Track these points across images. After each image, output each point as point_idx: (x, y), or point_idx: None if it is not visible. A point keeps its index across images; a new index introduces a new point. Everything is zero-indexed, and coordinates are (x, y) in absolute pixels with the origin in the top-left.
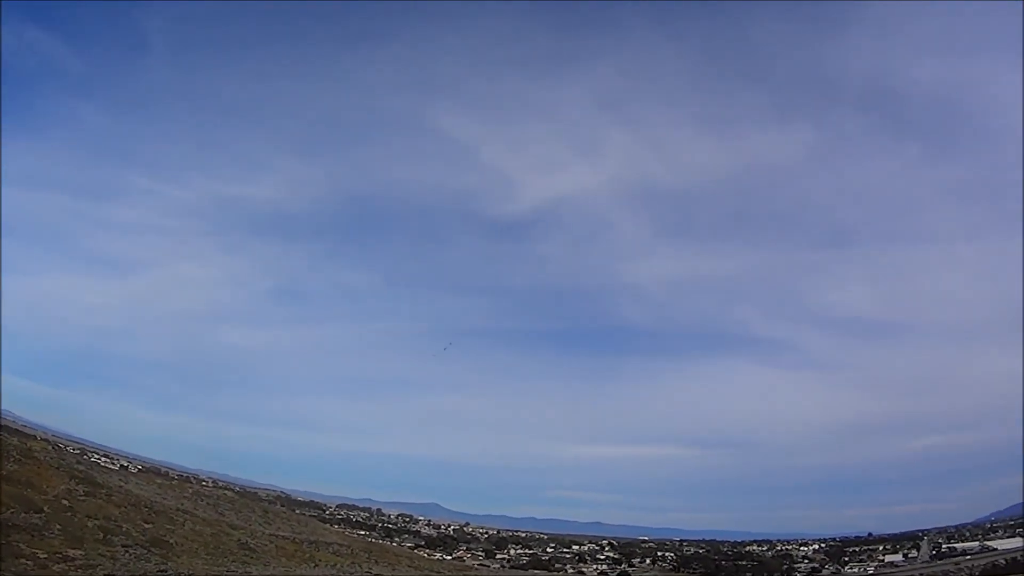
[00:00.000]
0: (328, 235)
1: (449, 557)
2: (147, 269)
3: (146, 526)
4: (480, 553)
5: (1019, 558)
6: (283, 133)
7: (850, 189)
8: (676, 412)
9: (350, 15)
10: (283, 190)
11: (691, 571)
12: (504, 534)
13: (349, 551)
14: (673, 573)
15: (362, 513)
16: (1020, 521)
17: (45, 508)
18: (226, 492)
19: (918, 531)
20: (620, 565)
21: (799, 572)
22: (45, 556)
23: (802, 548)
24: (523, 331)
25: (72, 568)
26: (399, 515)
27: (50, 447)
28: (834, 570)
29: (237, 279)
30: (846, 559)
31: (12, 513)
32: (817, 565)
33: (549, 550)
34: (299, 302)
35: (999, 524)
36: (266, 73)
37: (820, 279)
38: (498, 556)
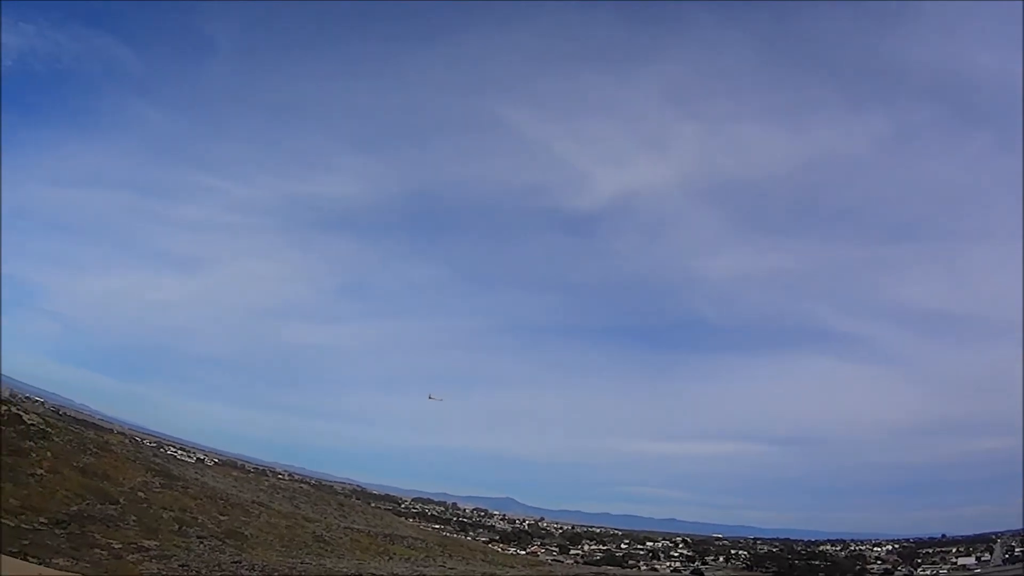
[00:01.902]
0: (398, 232)
1: (523, 552)
2: (217, 266)
3: (221, 518)
4: (554, 548)
5: None
6: (350, 131)
7: (920, 181)
8: (748, 408)
9: (417, 13)
10: (351, 187)
11: (764, 570)
12: (578, 529)
13: (423, 545)
14: (746, 572)
15: (437, 507)
16: None
17: (121, 500)
18: (302, 485)
19: (991, 533)
20: (693, 563)
21: (872, 573)
22: (120, 546)
23: (875, 549)
24: (594, 326)
25: (147, 558)
26: (474, 509)
27: (127, 440)
28: (907, 572)
29: (307, 276)
30: (919, 561)
31: (88, 504)
32: (890, 566)
33: (623, 546)
34: (369, 298)
35: None
36: (332, 72)
37: (891, 273)
38: (572, 551)
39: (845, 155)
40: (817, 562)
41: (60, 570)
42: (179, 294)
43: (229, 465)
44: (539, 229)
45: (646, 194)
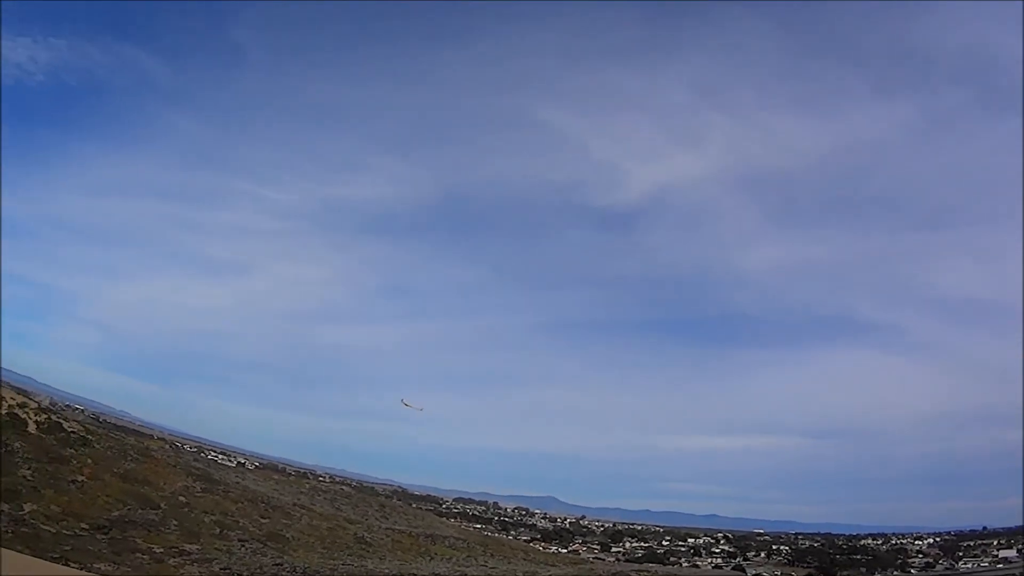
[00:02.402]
0: (434, 232)
1: (565, 550)
2: (254, 271)
3: (263, 521)
4: (596, 546)
5: None
6: (383, 133)
7: (951, 167)
8: (787, 401)
9: (443, 14)
10: (387, 189)
11: (806, 565)
12: (620, 527)
13: (465, 544)
14: (787, 567)
15: (478, 507)
16: None
17: (162, 504)
18: (343, 487)
19: None
20: (735, 559)
21: (913, 567)
22: (161, 551)
23: (916, 542)
24: (632, 322)
25: (188, 562)
26: (515, 508)
27: (168, 446)
28: (948, 565)
29: (344, 278)
30: (960, 554)
31: (129, 510)
32: (931, 560)
33: (664, 543)
34: (407, 299)
35: None
36: (362, 75)
37: (924, 262)
38: (613, 549)
39: (875, 142)
40: (858, 556)
41: (100, 575)
42: (218, 299)
43: (270, 468)
44: (575, 226)
45: (680, 188)
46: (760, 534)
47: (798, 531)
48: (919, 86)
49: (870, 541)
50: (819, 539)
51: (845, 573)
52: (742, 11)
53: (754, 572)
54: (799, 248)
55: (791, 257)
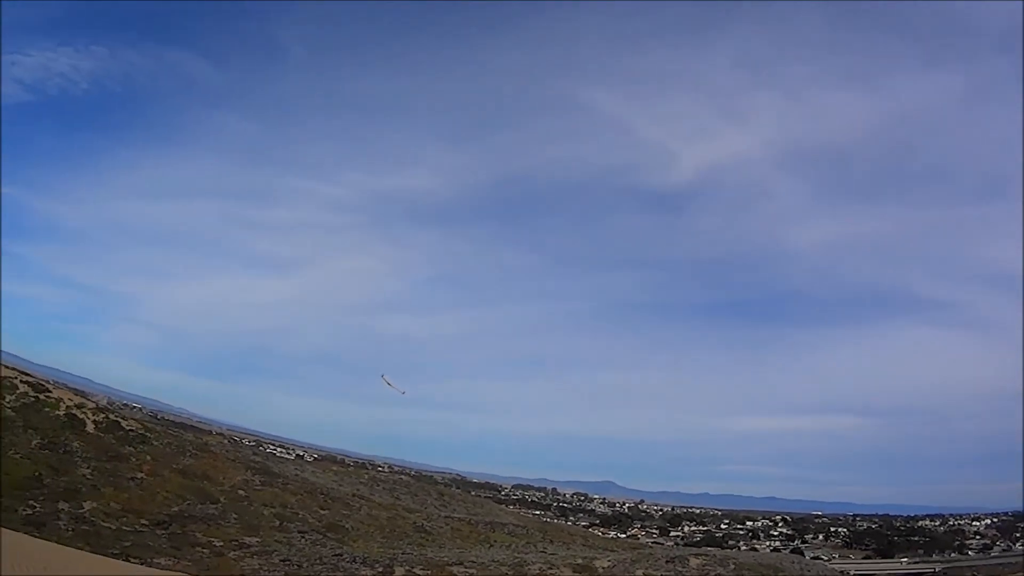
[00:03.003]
0: (486, 220)
1: (623, 535)
2: (310, 266)
3: (322, 512)
4: (654, 530)
5: None
6: (432, 123)
7: (1003, 136)
8: (844, 380)
9: (484, 3)
10: (438, 179)
11: (864, 547)
12: (678, 511)
13: (524, 531)
14: (845, 549)
15: (537, 493)
16: None
17: (221, 499)
18: (402, 477)
19: None
20: (793, 541)
21: (971, 548)
22: (221, 544)
23: (974, 523)
24: (687, 303)
25: (248, 555)
26: (574, 494)
27: (226, 440)
28: (1005, 547)
29: (400, 269)
30: (1018, 535)
31: (188, 505)
32: (988, 541)
33: (723, 526)
34: (463, 287)
35: None
36: (407, 66)
37: (982, 234)
38: (672, 533)
39: (924, 114)
40: (916, 538)
41: (161, 569)
42: (275, 295)
43: (329, 460)
44: (627, 209)
45: (730, 167)
46: (818, 516)
47: (856, 512)
48: (966, 56)
49: (927, 522)
50: (877, 520)
51: (903, 555)
52: None
53: (812, 555)
54: (852, 224)
55: (844, 233)
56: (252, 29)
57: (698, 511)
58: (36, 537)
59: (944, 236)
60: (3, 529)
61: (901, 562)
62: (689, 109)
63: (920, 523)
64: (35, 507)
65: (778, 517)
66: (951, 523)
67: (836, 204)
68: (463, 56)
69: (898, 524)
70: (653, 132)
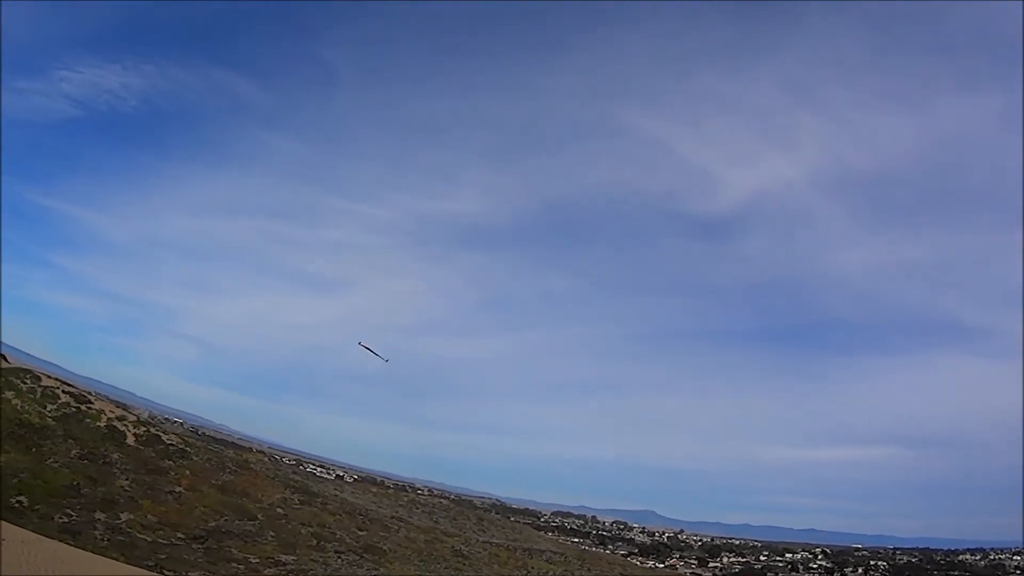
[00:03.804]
0: (529, 243)
1: (662, 565)
2: (353, 286)
3: (360, 533)
4: (693, 561)
5: None
6: (476, 146)
7: None
8: (886, 409)
9: (529, 24)
10: (482, 202)
11: None
12: (718, 541)
13: (562, 559)
14: None
15: (577, 520)
16: None
17: (259, 516)
18: (441, 500)
19: None
20: (832, 574)
21: None
22: (257, 561)
23: (1015, 557)
24: (730, 330)
25: (283, 572)
26: (614, 522)
27: (266, 458)
28: None
29: (442, 291)
30: None
31: (226, 520)
32: None
33: (762, 558)
34: (505, 310)
35: None
36: (451, 88)
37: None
38: (711, 564)
39: (966, 137)
40: (956, 572)
41: None
42: (317, 315)
43: (368, 481)
44: (670, 234)
45: (774, 192)
46: (858, 549)
47: (896, 546)
48: (1006, 77)
49: (968, 556)
50: (917, 554)
51: None
52: (828, 9)
53: None
54: (896, 249)
55: (888, 259)
56: (299, 49)
57: (738, 542)
58: (71, 545)
59: (987, 262)
60: (37, 535)
61: None
62: (732, 132)
63: (960, 557)
64: (71, 516)
65: (818, 549)
66: (992, 557)
67: (879, 229)
68: (507, 78)
69: (938, 558)
70: (698, 156)
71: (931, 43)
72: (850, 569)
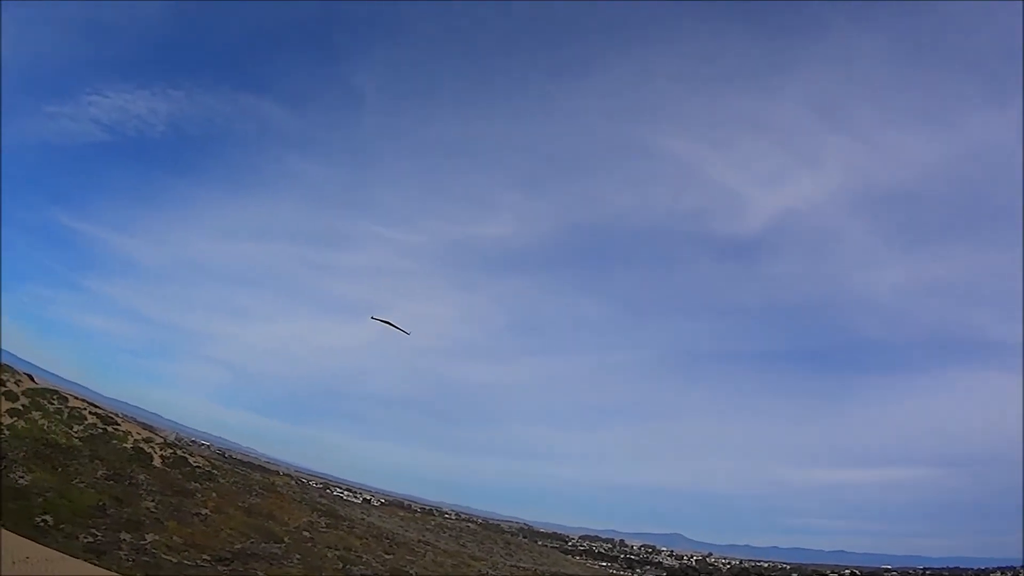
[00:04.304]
0: (560, 267)
1: None
2: (384, 311)
3: (386, 556)
4: None
5: None
6: (505, 170)
7: None
8: (915, 429)
9: (557, 48)
10: (512, 226)
11: None
12: (746, 564)
13: None
14: None
15: (604, 544)
16: None
17: (286, 539)
18: (469, 524)
19: None
20: None
21: None
22: None
23: None
24: (758, 352)
25: None
26: (642, 546)
27: (293, 482)
28: None
29: (473, 316)
30: None
31: (252, 543)
32: None
33: None
34: (535, 335)
35: None
36: (481, 113)
37: None
38: None
39: (993, 151)
40: None
41: None
42: (347, 339)
43: (395, 505)
44: (700, 256)
45: (802, 212)
46: (887, 570)
47: (926, 566)
48: None
49: (999, 575)
50: (946, 574)
51: None
52: (850, 24)
53: None
54: (924, 268)
55: (916, 278)
56: (328, 74)
57: (766, 565)
58: (95, 564)
59: (1016, 278)
60: (61, 554)
61: None
62: (760, 153)
63: None
64: (96, 535)
65: (847, 571)
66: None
67: (906, 247)
68: (537, 102)
69: None
70: (724, 177)
71: (955, 58)
72: None
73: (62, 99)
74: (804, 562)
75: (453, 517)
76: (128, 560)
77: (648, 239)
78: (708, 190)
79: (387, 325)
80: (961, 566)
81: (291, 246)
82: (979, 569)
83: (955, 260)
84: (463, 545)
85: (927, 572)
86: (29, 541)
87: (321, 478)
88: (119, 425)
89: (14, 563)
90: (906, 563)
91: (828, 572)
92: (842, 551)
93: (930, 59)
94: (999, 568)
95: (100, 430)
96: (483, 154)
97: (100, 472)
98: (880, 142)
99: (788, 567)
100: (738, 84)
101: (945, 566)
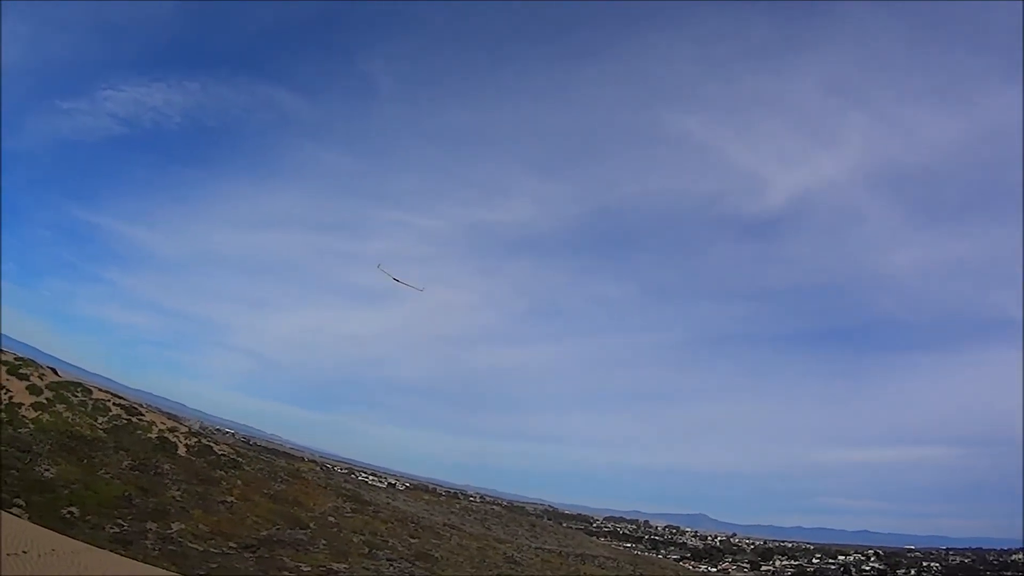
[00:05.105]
0: (580, 251)
1: (714, 569)
2: (404, 297)
3: (412, 541)
4: (745, 565)
5: None
6: (524, 154)
7: None
8: (939, 408)
9: (572, 32)
10: (531, 210)
11: None
12: (770, 544)
13: (614, 564)
14: None
15: (629, 525)
16: None
17: (311, 524)
18: (494, 507)
19: None
20: None
21: None
22: (309, 569)
23: None
24: (781, 333)
25: None
26: (666, 527)
27: (318, 468)
28: None
29: (494, 300)
30: None
31: (278, 529)
32: None
33: (815, 561)
34: (556, 318)
35: None
36: (497, 98)
37: None
38: (763, 568)
39: (1011, 129)
40: (1009, 573)
41: None
42: (369, 326)
43: (420, 489)
44: (719, 238)
45: (821, 192)
46: (911, 550)
47: (949, 546)
48: None
49: (1021, 557)
50: (970, 555)
51: None
52: (868, 4)
53: None
54: (945, 246)
55: (937, 256)
56: (342, 63)
57: (790, 545)
58: (121, 555)
59: None
60: (88, 545)
61: None
62: (778, 133)
63: (1013, 557)
64: (122, 526)
65: (870, 551)
66: None
67: (929, 226)
68: (553, 86)
69: (991, 558)
70: (743, 158)
71: (972, 35)
72: (903, 571)
73: (77, 95)
74: (827, 542)
75: (478, 500)
76: (154, 550)
77: (667, 221)
78: (726, 171)
79: (396, 282)
80: (984, 547)
81: (310, 235)
82: (1002, 550)
83: (975, 238)
84: (488, 528)
85: (950, 552)
86: (55, 533)
87: (346, 463)
88: (143, 415)
89: (40, 556)
90: (929, 544)
91: (851, 552)
92: (865, 531)
93: (947, 37)
94: (1021, 548)
95: (124, 421)
96: (499, 139)
97: (125, 463)
98: (898, 121)
99: (812, 547)
100: (755, 65)
101: (969, 547)
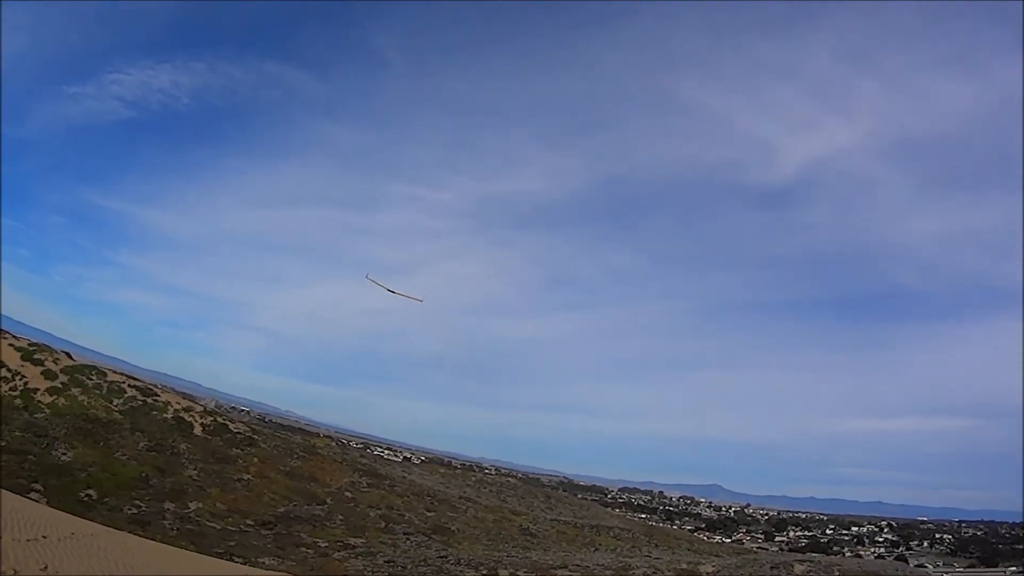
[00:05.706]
0: (592, 221)
1: (729, 539)
2: (417, 270)
3: (428, 514)
4: (759, 535)
5: None
6: (534, 126)
7: None
8: (953, 379)
9: (583, 1)
10: (543, 181)
11: (968, 555)
12: (784, 515)
13: (629, 535)
14: (950, 557)
15: (643, 496)
16: None
17: (328, 500)
18: (509, 479)
19: None
20: (898, 548)
21: None
22: (326, 544)
23: None
24: (794, 302)
25: (352, 555)
26: (680, 497)
27: (334, 443)
28: None
29: (507, 272)
30: None
31: (295, 506)
32: None
33: (828, 532)
34: (569, 289)
35: None
36: (506, 69)
37: None
38: (777, 538)
39: None
40: (1021, 546)
41: (266, 569)
42: (383, 301)
43: (436, 462)
44: (732, 207)
45: (833, 160)
46: (924, 522)
47: (962, 518)
48: None
49: None
50: (982, 527)
51: (1008, 564)
52: None
53: (916, 562)
54: (960, 215)
55: (952, 226)
56: (349, 38)
57: (804, 516)
58: (140, 536)
59: None
60: (106, 527)
61: (1006, 571)
62: (790, 101)
63: None
64: (140, 506)
65: (883, 523)
66: None
67: (942, 196)
68: (562, 57)
69: (1003, 531)
70: (755, 127)
71: (987, 2)
72: (916, 542)
73: (84, 80)
74: (841, 513)
75: (493, 472)
76: (172, 529)
77: (679, 190)
78: (738, 140)
79: (392, 293)
80: (997, 519)
81: (322, 210)
82: (1015, 522)
83: (990, 207)
84: (504, 500)
85: (963, 524)
86: (74, 516)
87: (361, 438)
88: (159, 396)
89: (59, 540)
90: (942, 515)
91: (864, 523)
92: (879, 502)
93: (960, 4)
94: None
95: (140, 402)
96: (510, 111)
97: (141, 444)
98: (912, 89)
99: (825, 518)
100: (767, 33)
101: (981, 519)
